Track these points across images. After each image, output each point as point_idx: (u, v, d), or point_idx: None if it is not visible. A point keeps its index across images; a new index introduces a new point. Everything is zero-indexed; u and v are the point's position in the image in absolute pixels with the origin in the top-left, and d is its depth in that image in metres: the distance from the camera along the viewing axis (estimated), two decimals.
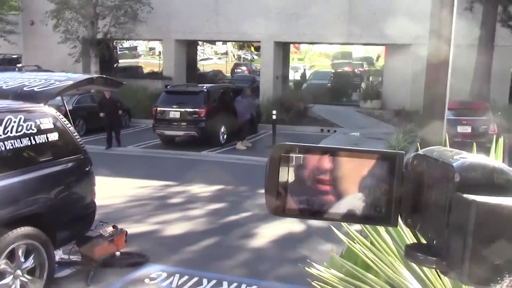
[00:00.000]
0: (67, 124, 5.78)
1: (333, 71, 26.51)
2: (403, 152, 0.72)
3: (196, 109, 14.25)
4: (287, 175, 0.71)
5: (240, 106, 15.09)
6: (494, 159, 0.70)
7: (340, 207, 0.71)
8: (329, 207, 0.71)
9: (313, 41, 22.06)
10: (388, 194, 0.71)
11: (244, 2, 21.22)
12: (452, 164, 0.65)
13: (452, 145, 2.58)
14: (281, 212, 0.73)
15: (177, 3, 21.66)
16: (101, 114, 14.55)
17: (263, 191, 0.73)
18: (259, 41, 21.55)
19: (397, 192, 0.71)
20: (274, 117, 15.41)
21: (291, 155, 0.71)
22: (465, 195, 0.61)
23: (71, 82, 5.97)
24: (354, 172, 0.71)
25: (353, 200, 0.71)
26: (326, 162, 0.71)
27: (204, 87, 15.22)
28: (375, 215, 0.71)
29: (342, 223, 1.47)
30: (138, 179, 10.83)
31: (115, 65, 24.48)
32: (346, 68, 26.98)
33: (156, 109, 14.83)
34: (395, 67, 20.44)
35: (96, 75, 8.04)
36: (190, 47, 24.08)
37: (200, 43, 25.74)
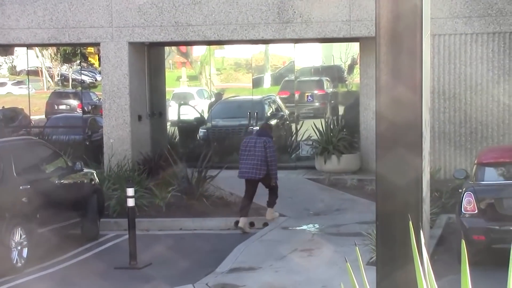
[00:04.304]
0: None
1: (257, 98, 26.63)
2: None
3: None
4: None
5: (269, 152, 17.25)
6: None
7: None
8: None
9: (208, 38, 21.52)
10: None
11: None
12: None
13: None
14: None
15: None
16: None
17: None
18: (98, 43, 22.00)
19: None
20: (130, 202, 14.52)
21: None
22: None
23: None
24: None
25: None
26: None
27: None
28: None
29: None
30: None
31: None
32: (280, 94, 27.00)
33: None
34: None
35: None
36: None
37: None
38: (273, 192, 17.56)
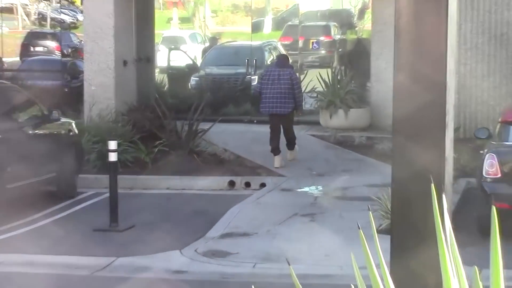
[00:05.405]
0: None
1: (257, 44, 27.11)
2: None
3: None
4: None
5: (296, 85, 18.73)
6: None
7: None
8: None
9: None
10: None
11: None
12: None
13: None
14: None
15: None
16: None
17: None
18: None
19: None
20: (112, 156, 14.71)
21: None
22: None
23: None
24: None
25: None
26: None
27: None
28: None
29: None
30: None
31: None
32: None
33: None
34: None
35: None
36: None
37: None
38: (290, 135, 18.90)
